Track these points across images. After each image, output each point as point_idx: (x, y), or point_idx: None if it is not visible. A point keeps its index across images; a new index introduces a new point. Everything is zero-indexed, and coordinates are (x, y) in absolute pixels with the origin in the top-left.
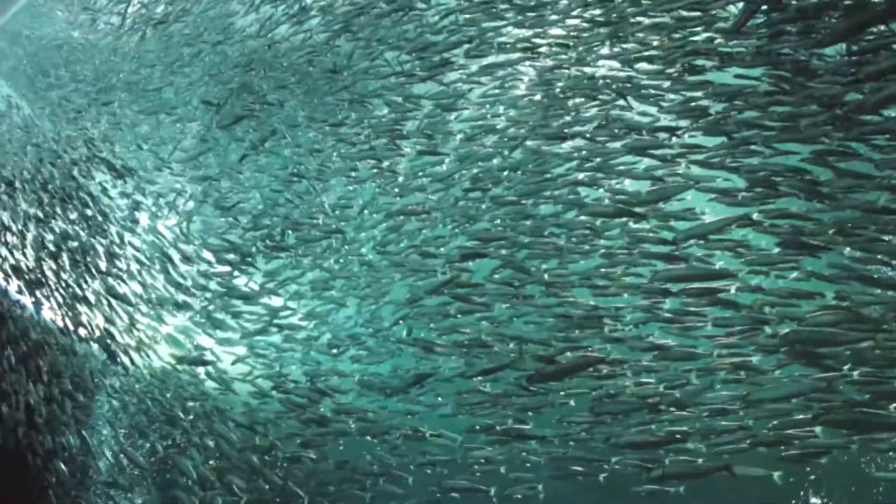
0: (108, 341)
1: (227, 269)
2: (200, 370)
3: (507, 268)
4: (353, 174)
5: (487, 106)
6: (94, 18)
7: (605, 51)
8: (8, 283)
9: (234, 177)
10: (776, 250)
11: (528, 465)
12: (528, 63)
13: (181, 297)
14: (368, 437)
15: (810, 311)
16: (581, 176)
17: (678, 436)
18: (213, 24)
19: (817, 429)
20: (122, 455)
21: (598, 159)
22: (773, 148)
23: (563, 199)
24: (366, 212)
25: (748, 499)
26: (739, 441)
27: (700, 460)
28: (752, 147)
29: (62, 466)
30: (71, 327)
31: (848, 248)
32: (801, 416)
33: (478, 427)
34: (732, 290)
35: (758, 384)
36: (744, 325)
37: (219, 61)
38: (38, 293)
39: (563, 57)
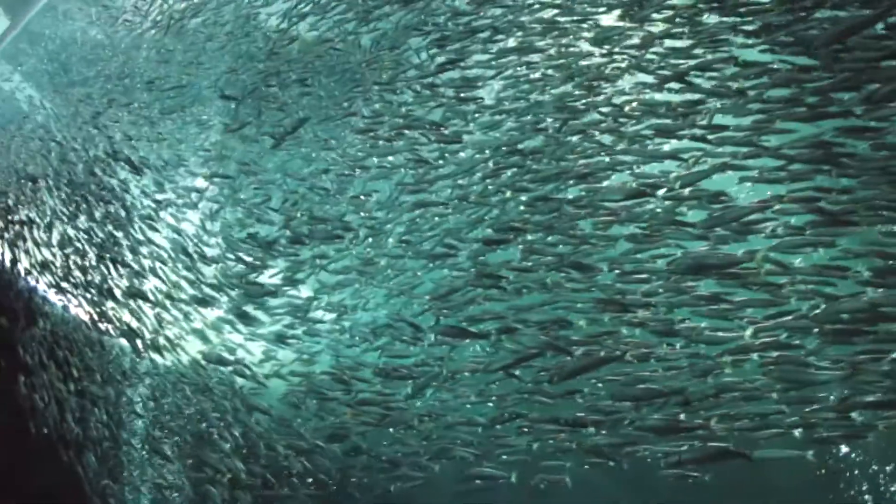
0: (136, 338)
1: (253, 263)
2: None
3: (531, 254)
4: (373, 165)
5: (509, 90)
6: (116, 17)
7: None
8: (37, 281)
9: (259, 171)
10: (808, 231)
11: (559, 453)
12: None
13: (207, 294)
14: (392, 430)
15: (846, 291)
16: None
17: (702, 421)
18: (235, 18)
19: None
20: (151, 449)
21: (622, 144)
22: (817, 124)
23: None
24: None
25: (777, 481)
26: (770, 425)
27: (730, 445)
28: (780, 125)
29: (93, 459)
30: (99, 323)
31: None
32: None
33: (505, 415)
34: (762, 273)
35: (790, 365)
36: (774, 306)
37: (243, 51)
38: (65, 289)
39: (588, 35)
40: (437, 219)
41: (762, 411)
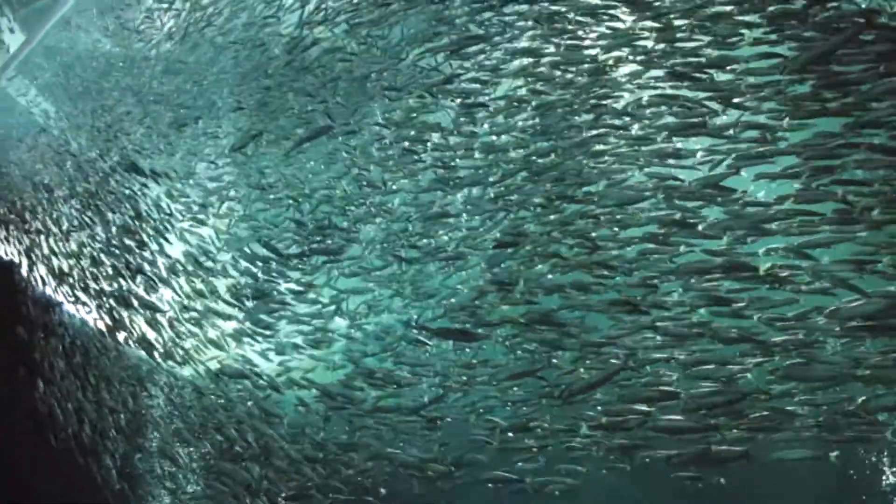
0: (152, 349)
1: (267, 275)
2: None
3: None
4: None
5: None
6: (129, 28)
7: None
8: (57, 291)
9: (274, 181)
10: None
11: (575, 455)
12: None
13: (222, 305)
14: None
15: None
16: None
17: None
18: (248, 26)
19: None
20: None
21: (637, 145)
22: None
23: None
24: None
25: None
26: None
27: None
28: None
29: (109, 463)
30: (115, 332)
31: None
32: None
33: (525, 419)
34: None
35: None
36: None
37: (256, 60)
38: (81, 299)
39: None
40: (451, 220)
41: (778, 407)
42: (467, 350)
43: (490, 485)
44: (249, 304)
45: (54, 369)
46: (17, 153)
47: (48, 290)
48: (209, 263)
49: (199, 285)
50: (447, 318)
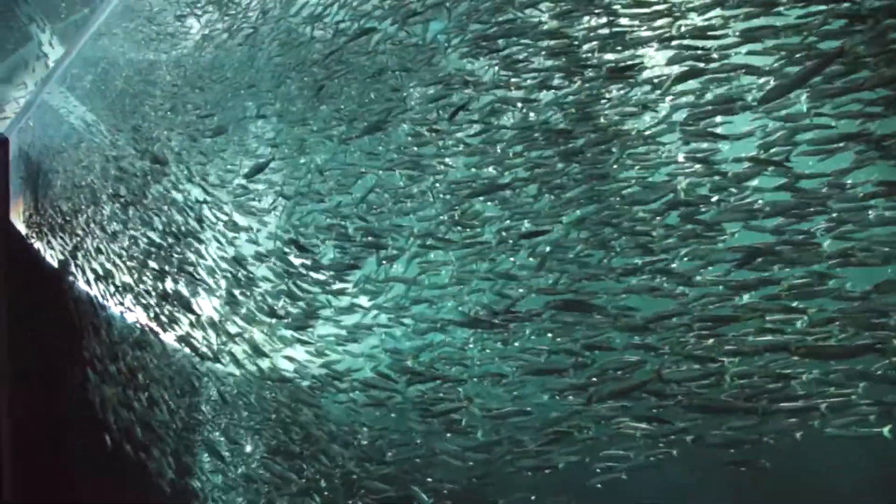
0: (197, 351)
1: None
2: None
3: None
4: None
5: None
6: (162, 34)
7: None
8: (103, 293)
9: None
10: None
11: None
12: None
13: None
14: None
15: None
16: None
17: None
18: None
19: None
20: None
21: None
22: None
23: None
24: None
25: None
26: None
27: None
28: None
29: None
30: (160, 334)
31: None
32: None
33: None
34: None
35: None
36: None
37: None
38: (127, 300)
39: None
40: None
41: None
42: (509, 344)
43: (529, 473)
44: (291, 307)
45: (105, 370)
46: (61, 162)
47: (95, 292)
48: (251, 267)
49: (241, 289)
50: (484, 308)
